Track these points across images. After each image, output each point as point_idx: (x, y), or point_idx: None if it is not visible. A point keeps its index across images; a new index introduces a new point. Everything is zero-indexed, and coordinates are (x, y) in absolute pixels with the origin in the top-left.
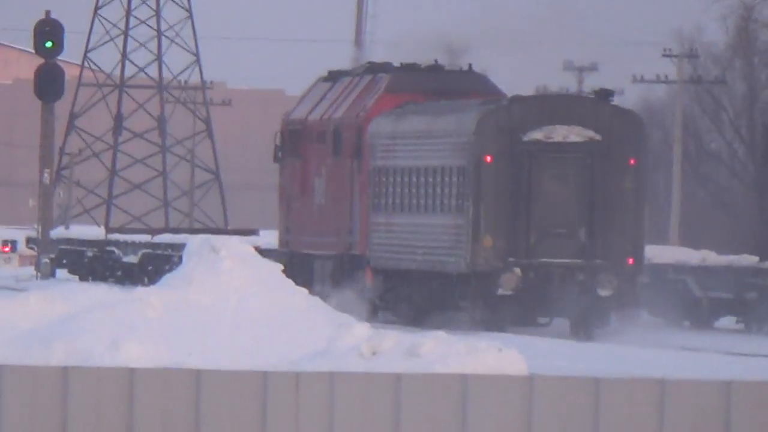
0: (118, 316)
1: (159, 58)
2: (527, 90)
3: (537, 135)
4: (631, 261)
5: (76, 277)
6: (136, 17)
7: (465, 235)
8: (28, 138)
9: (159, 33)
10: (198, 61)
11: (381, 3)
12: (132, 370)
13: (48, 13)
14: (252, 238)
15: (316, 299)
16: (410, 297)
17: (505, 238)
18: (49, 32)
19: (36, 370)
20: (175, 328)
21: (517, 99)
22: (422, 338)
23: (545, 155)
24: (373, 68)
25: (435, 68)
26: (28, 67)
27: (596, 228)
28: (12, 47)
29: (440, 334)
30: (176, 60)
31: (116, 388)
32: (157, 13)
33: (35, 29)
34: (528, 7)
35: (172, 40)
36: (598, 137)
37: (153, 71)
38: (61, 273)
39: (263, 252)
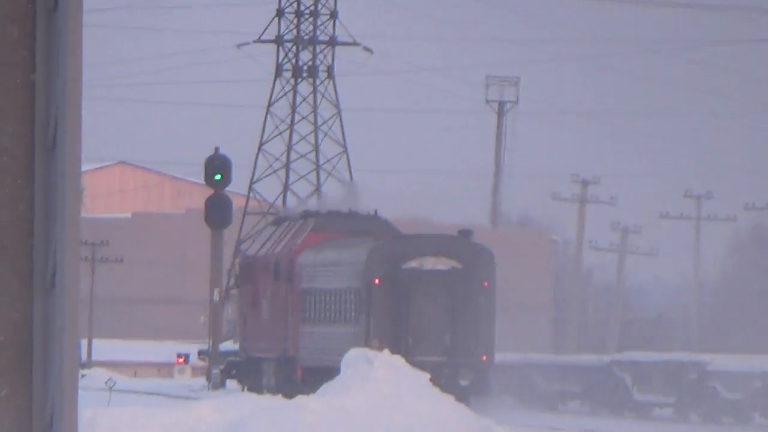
0: (280, 421)
1: (317, 189)
2: (654, 215)
3: (413, 264)
4: (484, 358)
5: (245, 386)
6: (296, 152)
7: (360, 339)
8: (199, 261)
9: (317, 167)
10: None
11: (519, 137)
12: None
13: (217, 149)
14: None
15: (461, 405)
16: None
17: (389, 341)
18: (218, 166)
19: None
20: (332, 431)
21: (398, 237)
22: None
23: (419, 279)
24: (306, 214)
25: (350, 214)
26: (199, 197)
27: (458, 334)
28: (185, 180)
29: None
30: (333, 190)
31: None
32: (316, 149)
33: (206, 164)
34: (652, 142)
35: (329, 173)
36: (459, 266)
37: (312, 201)
38: (231, 383)
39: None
